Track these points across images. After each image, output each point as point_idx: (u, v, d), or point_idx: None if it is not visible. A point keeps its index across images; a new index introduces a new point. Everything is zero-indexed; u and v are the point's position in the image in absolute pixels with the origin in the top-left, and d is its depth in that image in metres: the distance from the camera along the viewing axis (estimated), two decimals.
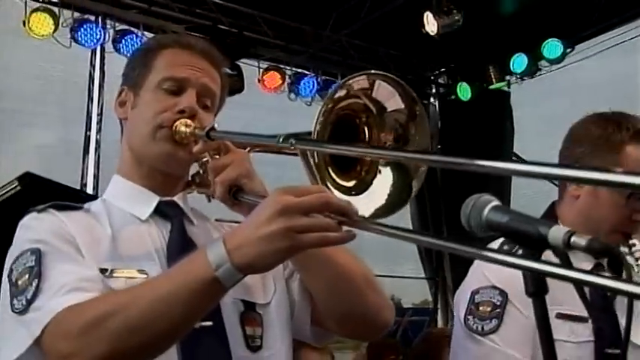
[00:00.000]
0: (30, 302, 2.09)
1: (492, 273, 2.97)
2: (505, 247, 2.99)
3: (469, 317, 2.96)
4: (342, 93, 2.03)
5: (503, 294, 2.92)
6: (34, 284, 2.11)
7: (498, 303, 2.91)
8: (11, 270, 2.21)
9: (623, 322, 2.96)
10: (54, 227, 2.29)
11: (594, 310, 3.00)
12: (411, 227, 12.21)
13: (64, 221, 2.32)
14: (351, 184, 2.08)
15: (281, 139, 2.00)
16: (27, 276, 2.15)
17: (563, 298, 2.90)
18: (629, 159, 3.08)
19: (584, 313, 2.98)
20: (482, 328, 2.92)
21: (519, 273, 2.84)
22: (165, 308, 1.91)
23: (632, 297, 1.94)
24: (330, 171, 2.04)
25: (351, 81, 2.01)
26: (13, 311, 2.13)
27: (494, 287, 2.94)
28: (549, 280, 2.89)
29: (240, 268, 1.84)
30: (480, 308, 2.94)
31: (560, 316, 2.93)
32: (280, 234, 1.78)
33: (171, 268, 2.15)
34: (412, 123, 2.07)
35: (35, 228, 2.30)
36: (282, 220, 1.78)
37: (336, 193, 2.00)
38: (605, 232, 3.52)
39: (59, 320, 2.00)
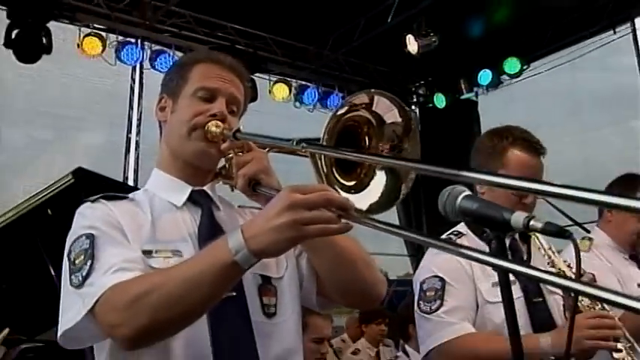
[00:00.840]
0: (85, 278, 2.10)
1: (435, 265, 3.21)
2: (451, 237, 3.27)
3: (420, 302, 3.19)
4: (345, 108, 2.03)
5: (442, 280, 3.14)
6: (88, 264, 2.13)
7: (439, 287, 3.13)
8: (70, 251, 2.22)
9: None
10: (104, 215, 2.29)
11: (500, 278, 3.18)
12: (396, 212, 12.34)
13: (113, 210, 2.32)
14: (351, 183, 2.04)
15: (294, 143, 2.01)
16: (82, 256, 2.16)
17: (493, 271, 2.97)
18: (509, 162, 3.25)
19: (512, 278, 2.91)
20: (430, 308, 3.12)
21: (455, 262, 3.11)
22: (194, 287, 1.93)
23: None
24: (335, 172, 2.02)
25: (354, 98, 2.03)
26: (71, 285, 2.14)
27: (436, 276, 3.17)
28: None
29: (255, 253, 1.86)
30: (427, 294, 3.15)
31: (496, 284, 3.00)
32: (288, 225, 1.79)
33: (199, 252, 2.15)
34: (406, 135, 2.04)
35: (89, 216, 2.29)
36: (290, 214, 1.79)
37: (339, 190, 1.98)
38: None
39: (108, 295, 2.02)
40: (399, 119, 2.03)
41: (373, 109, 2.03)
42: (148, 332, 1.98)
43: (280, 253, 1.99)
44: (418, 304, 3.19)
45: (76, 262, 2.16)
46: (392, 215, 12.29)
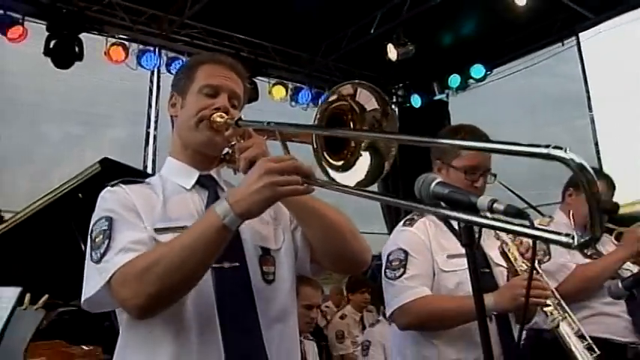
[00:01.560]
0: (102, 255, 2.11)
1: (399, 239, 3.29)
2: (414, 216, 3.30)
3: (386, 271, 3.25)
4: (334, 97, 2.02)
5: (405, 252, 3.21)
6: (105, 243, 2.13)
7: (402, 258, 3.20)
8: (92, 230, 2.22)
9: (486, 250, 3.29)
10: (121, 198, 2.28)
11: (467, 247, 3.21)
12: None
13: (129, 193, 2.30)
14: (339, 163, 2.03)
15: (265, 123, 2.11)
16: (101, 236, 2.16)
17: (448, 246, 3.20)
18: (463, 153, 3.26)
19: (462, 251, 3.19)
20: (395, 275, 3.19)
21: (416, 238, 3.18)
22: (191, 252, 1.95)
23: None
24: (325, 154, 2.00)
25: (340, 88, 2.02)
26: (91, 260, 2.15)
27: (400, 249, 3.24)
28: (439, 236, 3.20)
29: (240, 215, 1.90)
30: (393, 264, 3.22)
31: (449, 256, 3.18)
32: (265, 187, 1.85)
33: (192, 224, 2.13)
34: (385, 119, 2.03)
35: (108, 199, 2.28)
36: (266, 177, 1.86)
37: (329, 169, 1.98)
38: None
39: (120, 273, 2.04)
40: (378, 106, 2.03)
41: (356, 99, 2.04)
42: (157, 300, 2.01)
43: (260, 213, 1.97)
44: (385, 272, 3.26)
45: (96, 240, 2.17)
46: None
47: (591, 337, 3.41)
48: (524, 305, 2.34)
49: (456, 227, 3.22)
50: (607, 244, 4.39)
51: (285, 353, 2.35)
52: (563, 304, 3.35)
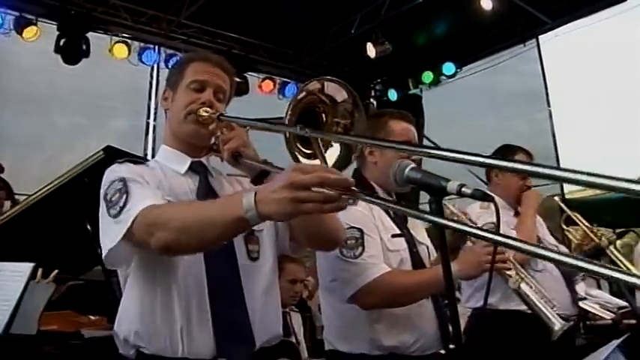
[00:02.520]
0: (122, 208, 2.10)
1: (347, 218, 2.85)
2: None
3: (343, 250, 2.89)
4: (303, 93, 1.96)
5: (360, 230, 2.93)
6: (124, 197, 2.12)
7: (358, 236, 2.92)
8: (106, 193, 2.21)
9: (412, 232, 3.14)
10: (130, 169, 2.29)
11: (402, 229, 3.09)
12: None
13: (135, 167, 2.33)
14: (309, 151, 1.95)
15: (262, 121, 2.06)
16: (118, 194, 2.15)
17: (390, 225, 3.05)
18: (391, 128, 3.14)
19: (400, 231, 3.06)
20: (354, 254, 2.89)
21: (364, 216, 2.99)
22: (210, 226, 1.91)
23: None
24: (297, 144, 1.94)
25: (310, 85, 1.97)
26: (109, 216, 2.14)
27: (353, 227, 2.91)
28: (382, 215, 3.07)
29: (261, 216, 1.77)
30: (349, 242, 2.87)
31: (393, 236, 3.03)
32: (287, 201, 1.68)
33: (222, 199, 2.17)
34: (355, 108, 1.97)
35: (118, 170, 2.29)
36: (288, 192, 1.67)
37: (299, 156, 1.93)
38: None
39: (143, 214, 2.03)
40: (347, 97, 1.98)
41: (325, 92, 1.98)
42: (173, 247, 1.99)
43: (282, 220, 1.99)
44: (341, 252, 2.90)
45: (113, 199, 2.16)
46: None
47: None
48: (490, 270, 2.33)
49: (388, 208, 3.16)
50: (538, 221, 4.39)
51: (268, 324, 2.38)
52: (519, 267, 3.35)
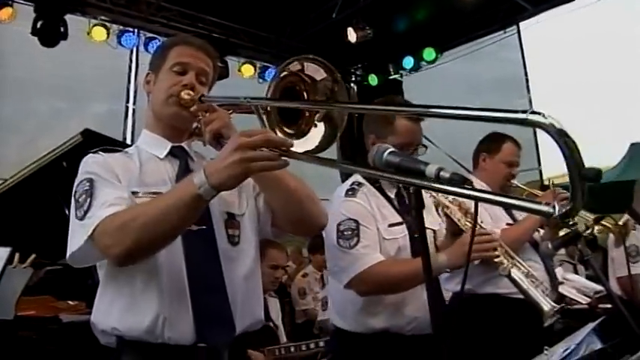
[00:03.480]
0: (86, 212, 2.11)
1: (346, 209, 3.12)
2: (354, 186, 3.21)
3: (340, 240, 3.07)
4: (284, 73, 1.95)
5: (356, 221, 3.07)
6: (88, 201, 2.13)
7: (354, 227, 3.06)
8: (75, 192, 2.21)
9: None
10: (101, 162, 2.28)
11: (404, 216, 3.17)
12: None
13: (108, 160, 2.31)
14: (292, 131, 1.96)
15: (242, 98, 2.01)
16: (84, 195, 2.16)
17: (388, 215, 3.17)
18: (398, 127, 3.18)
19: (399, 220, 3.15)
20: (349, 244, 3.04)
21: (361, 207, 3.10)
22: (168, 214, 1.94)
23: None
24: (280, 124, 1.95)
25: (289, 65, 1.96)
26: (76, 218, 2.15)
27: (350, 219, 3.08)
28: (380, 206, 3.15)
29: (215, 187, 1.85)
30: (345, 233, 3.06)
31: (390, 225, 3.13)
32: (237, 163, 1.79)
33: (172, 187, 2.18)
34: (336, 85, 1.97)
35: (90, 164, 2.28)
36: (237, 154, 1.79)
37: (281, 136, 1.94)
38: None
39: (103, 223, 2.03)
40: (326, 75, 1.98)
41: (305, 72, 1.98)
42: (134, 251, 2.01)
43: (234, 186, 1.94)
44: (338, 242, 3.09)
45: (79, 200, 2.17)
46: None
47: (516, 298, 3.49)
48: (467, 260, 2.34)
49: (391, 196, 3.26)
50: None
51: (249, 309, 2.38)
52: (510, 252, 3.37)
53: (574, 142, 1.11)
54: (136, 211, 2.07)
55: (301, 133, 1.98)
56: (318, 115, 2.00)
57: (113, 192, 2.18)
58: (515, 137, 4.46)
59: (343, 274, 3.09)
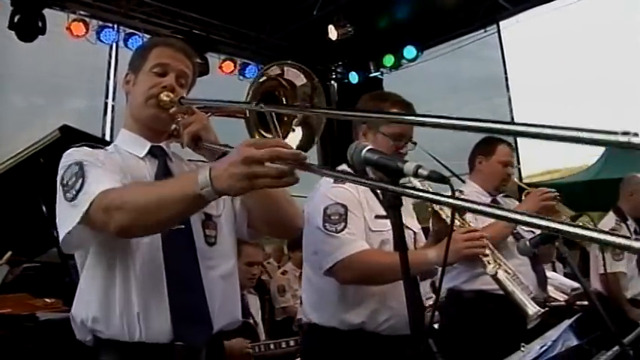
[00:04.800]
0: (79, 191, 2.08)
1: (334, 195, 3.04)
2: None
3: (326, 224, 3.00)
4: (263, 78, 1.95)
5: (344, 206, 3.01)
6: (80, 180, 2.11)
7: (342, 212, 3.00)
8: (62, 177, 2.18)
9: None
10: (88, 153, 2.27)
11: (388, 211, 3.18)
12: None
13: (94, 152, 2.29)
14: (270, 136, 1.91)
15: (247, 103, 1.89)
16: (74, 178, 2.13)
17: (375, 206, 3.11)
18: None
19: (385, 213, 3.05)
20: (337, 229, 2.98)
21: (349, 194, 3.05)
22: (167, 205, 1.91)
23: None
24: (259, 128, 1.93)
25: (269, 69, 1.96)
26: (66, 200, 2.12)
27: (338, 203, 3.01)
28: (367, 196, 3.11)
29: (217, 192, 1.78)
30: (332, 217, 2.99)
31: (377, 217, 3.08)
32: (242, 176, 1.69)
33: (177, 177, 2.22)
34: (314, 92, 1.97)
35: (75, 154, 2.26)
36: (243, 167, 1.67)
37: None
38: None
39: (100, 197, 2.01)
40: (306, 81, 1.98)
41: (285, 77, 1.98)
42: (132, 229, 2.00)
43: (237, 195, 1.99)
44: (324, 226, 3.01)
45: (69, 182, 2.14)
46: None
47: (502, 295, 3.51)
48: (445, 252, 2.33)
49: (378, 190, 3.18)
50: (511, 207, 4.42)
51: (227, 309, 2.39)
52: (497, 253, 3.37)
53: None
54: (137, 191, 2.06)
55: (278, 138, 1.95)
56: (296, 120, 1.99)
57: (106, 173, 2.18)
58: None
59: (327, 258, 3.01)
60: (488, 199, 4.37)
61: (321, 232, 3.03)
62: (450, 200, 1.41)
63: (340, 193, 3.06)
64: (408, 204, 3.32)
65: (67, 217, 2.11)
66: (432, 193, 1.51)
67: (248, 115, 1.93)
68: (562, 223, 1.10)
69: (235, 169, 1.70)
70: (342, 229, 3.00)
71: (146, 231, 2.09)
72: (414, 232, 3.34)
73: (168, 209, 1.93)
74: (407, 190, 1.55)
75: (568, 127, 1.07)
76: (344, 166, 3.21)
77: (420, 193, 1.53)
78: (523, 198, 4.26)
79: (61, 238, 2.15)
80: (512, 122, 1.21)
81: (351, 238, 3.00)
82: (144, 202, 1.95)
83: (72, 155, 2.27)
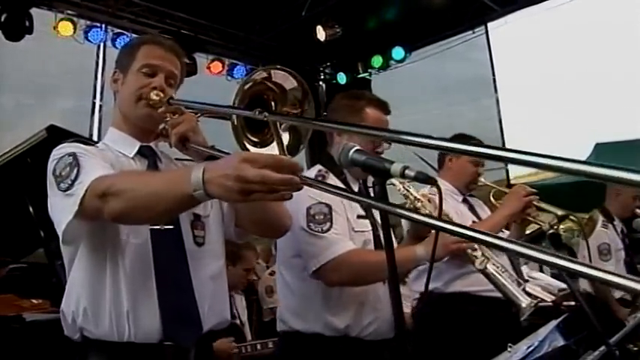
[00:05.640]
0: (74, 181, 2.08)
1: (314, 194, 2.94)
2: (322, 173, 3.15)
3: (310, 224, 2.94)
4: (250, 83, 1.93)
5: (328, 206, 2.96)
6: (75, 170, 2.11)
7: (326, 212, 2.95)
8: (54, 169, 2.19)
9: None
10: (79, 146, 2.27)
11: (366, 211, 3.08)
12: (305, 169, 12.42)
13: (86, 147, 2.30)
14: (257, 140, 1.93)
15: (208, 105, 2.08)
16: (68, 168, 2.13)
17: (356, 206, 3.07)
18: (368, 117, 3.15)
19: (364, 213, 3.08)
20: (322, 229, 2.92)
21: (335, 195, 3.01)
22: (159, 200, 1.90)
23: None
24: (246, 132, 1.93)
25: (255, 74, 1.96)
26: (60, 190, 2.12)
27: (321, 202, 2.95)
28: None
29: (209, 195, 1.74)
30: (317, 217, 2.93)
31: (359, 217, 3.06)
32: (234, 191, 1.64)
33: (171, 173, 2.21)
34: (305, 97, 1.97)
35: (67, 147, 2.26)
36: (235, 184, 1.62)
37: (247, 144, 1.91)
38: None
39: (95, 184, 2.01)
40: (296, 84, 1.97)
41: (273, 80, 1.96)
42: (125, 216, 2.00)
43: (229, 202, 2.01)
44: (308, 226, 2.95)
45: (62, 173, 2.14)
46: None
47: (484, 296, 3.52)
48: (433, 249, 2.34)
49: (355, 190, 3.18)
50: (482, 209, 4.43)
51: (216, 309, 2.40)
52: (485, 248, 3.38)
53: None
54: (131, 181, 2.04)
55: (265, 142, 1.96)
56: (283, 125, 1.98)
57: (99, 162, 2.19)
58: (482, 137, 4.51)
59: (313, 259, 2.95)
60: (460, 198, 4.37)
61: (305, 233, 2.97)
62: (431, 221, 1.37)
63: (322, 192, 2.95)
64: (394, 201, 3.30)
65: (64, 208, 2.11)
66: (422, 215, 1.51)
67: (235, 120, 1.91)
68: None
69: (228, 182, 1.66)
70: (329, 229, 2.95)
71: (137, 221, 2.10)
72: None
73: (160, 205, 1.92)
74: (397, 210, 1.47)
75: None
76: (317, 167, 3.24)
77: (411, 215, 1.49)
78: (504, 198, 4.21)
79: (62, 229, 2.13)
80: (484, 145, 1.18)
81: (338, 237, 2.96)
82: (138, 193, 1.94)
83: (64, 148, 2.27)
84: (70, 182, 2.10)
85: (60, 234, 2.17)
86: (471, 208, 4.35)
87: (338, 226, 2.98)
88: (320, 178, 3.10)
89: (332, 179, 3.15)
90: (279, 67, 1.97)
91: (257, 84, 1.97)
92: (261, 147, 1.95)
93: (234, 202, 1.89)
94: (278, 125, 1.91)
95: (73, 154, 2.18)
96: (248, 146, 1.92)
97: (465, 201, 4.38)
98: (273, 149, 1.95)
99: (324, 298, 3.01)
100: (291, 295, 3.15)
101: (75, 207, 2.05)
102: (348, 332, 3.00)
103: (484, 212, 4.39)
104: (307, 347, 3.06)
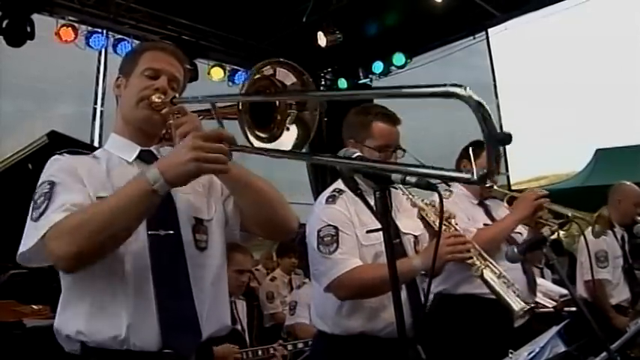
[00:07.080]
0: (41, 214, 2.09)
1: (326, 216, 3.21)
2: (335, 194, 3.28)
3: (320, 247, 3.18)
4: (257, 76, 1.99)
5: (335, 227, 3.17)
6: (45, 203, 2.12)
7: (333, 233, 3.15)
8: (36, 193, 2.19)
9: (397, 222, 3.31)
10: (65, 165, 2.26)
11: (382, 222, 3.20)
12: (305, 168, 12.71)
13: (73, 162, 2.28)
14: (264, 135, 2.00)
15: (213, 96, 2.11)
16: (43, 198, 2.14)
17: (366, 221, 3.20)
18: (375, 132, 3.27)
19: (378, 225, 3.01)
20: (329, 250, 3.14)
21: (340, 214, 3.18)
22: (121, 213, 1.95)
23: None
24: (252, 127, 1.98)
25: (263, 68, 2.00)
26: (32, 219, 2.13)
27: (329, 225, 3.17)
28: (359, 212, 3.21)
29: (169, 182, 1.92)
30: (325, 239, 3.15)
31: (368, 231, 3.17)
32: (190, 161, 1.89)
33: (125, 185, 2.09)
34: (305, 88, 2.04)
35: (53, 166, 2.27)
36: (192, 153, 1.88)
37: (253, 140, 1.97)
38: None
39: (54, 228, 2.02)
40: (296, 80, 2.02)
41: (276, 77, 2.02)
42: (84, 254, 2.00)
43: (186, 183, 2.01)
44: (318, 248, 3.19)
45: (38, 201, 2.15)
46: (302, 170, 12.46)
47: (492, 299, 3.53)
48: (433, 259, 2.35)
49: (372, 202, 3.23)
50: (500, 210, 4.43)
51: (216, 315, 2.38)
52: (483, 254, 3.43)
53: (488, 112, 1.31)
54: (87, 214, 2.05)
55: (273, 137, 2.00)
56: (289, 119, 2.02)
57: (72, 197, 2.17)
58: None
59: (323, 277, 3.20)
60: (475, 201, 4.40)
61: (317, 254, 3.21)
62: (435, 172, 1.50)
63: (332, 214, 3.22)
64: (408, 208, 3.42)
65: (28, 235, 2.13)
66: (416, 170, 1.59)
67: (241, 116, 1.96)
68: None
69: (184, 156, 1.91)
70: (334, 250, 3.16)
71: (100, 252, 2.07)
72: (415, 236, 3.41)
73: (122, 218, 1.98)
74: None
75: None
76: (339, 185, 3.37)
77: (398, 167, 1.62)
78: (514, 203, 4.24)
79: (19, 252, 2.17)
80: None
81: (343, 257, 3.15)
82: (93, 224, 1.98)
83: (49, 169, 2.28)
84: (38, 214, 2.13)
85: (17, 254, 2.19)
86: (487, 211, 4.40)
87: (344, 246, 3.17)
88: (330, 200, 3.28)
89: (347, 195, 3.30)
90: (280, 60, 2.01)
91: (262, 80, 2.01)
92: (269, 142, 2.00)
93: (192, 177, 1.96)
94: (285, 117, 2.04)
95: (52, 184, 2.19)
96: (255, 142, 1.97)
97: (481, 204, 4.42)
98: (282, 144, 2.02)
99: (337, 307, 3.25)
100: (316, 300, 3.46)
101: (33, 241, 2.08)
102: (364, 332, 3.21)
103: (502, 213, 4.39)
104: (330, 345, 3.33)
